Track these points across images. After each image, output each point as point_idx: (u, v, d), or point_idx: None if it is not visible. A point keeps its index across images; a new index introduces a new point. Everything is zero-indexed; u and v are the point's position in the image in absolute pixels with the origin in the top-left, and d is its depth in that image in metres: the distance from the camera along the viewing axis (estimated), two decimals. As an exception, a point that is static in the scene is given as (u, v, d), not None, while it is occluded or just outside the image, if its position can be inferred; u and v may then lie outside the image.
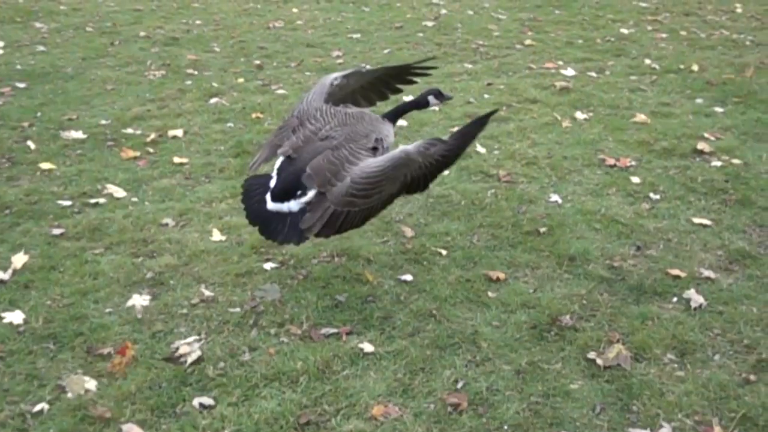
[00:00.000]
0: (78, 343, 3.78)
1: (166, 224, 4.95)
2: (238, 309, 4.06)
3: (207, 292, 4.21)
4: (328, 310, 4.05)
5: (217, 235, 4.78)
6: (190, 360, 3.65)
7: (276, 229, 3.97)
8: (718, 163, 5.76)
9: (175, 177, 5.71)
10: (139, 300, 4.11)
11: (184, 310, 4.05)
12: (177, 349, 3.74)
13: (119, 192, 5.39)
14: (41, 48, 9.31)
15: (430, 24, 10.55)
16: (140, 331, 3.88)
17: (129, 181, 5.62)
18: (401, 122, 6.19)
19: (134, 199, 5.32)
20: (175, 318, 4.00)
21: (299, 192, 3.98)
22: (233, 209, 5.16)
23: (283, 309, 4.05)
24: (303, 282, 4.30)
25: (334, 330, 3.87)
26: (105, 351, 3.69)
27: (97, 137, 6.46)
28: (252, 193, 4.17)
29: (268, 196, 4.06)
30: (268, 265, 4.46)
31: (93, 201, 5.26)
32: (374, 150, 4.08)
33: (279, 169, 4.15)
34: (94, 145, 6.31)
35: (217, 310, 4.06)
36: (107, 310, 4.05)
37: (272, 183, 4.11)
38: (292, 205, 3.98)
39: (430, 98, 4.49)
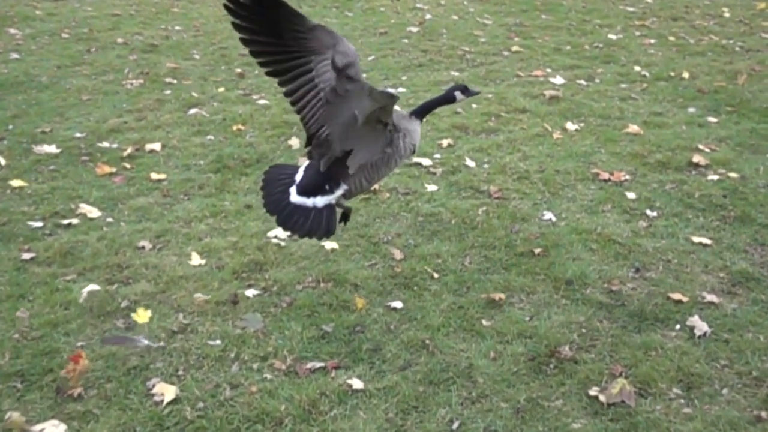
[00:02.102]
0: (47, 381, 3.54)
1: (143, 247, 4.71)
2: (218, 341, 3.83)
3: (185, 322, 3.98)
4: (314, 342, 3.83)
5: (196, 259, 4.55)
6: (167, 399, 3.42)
7: (297, 223, 3.89)
8: (715, 177, 5.59)
9: (152, 195, 5.46)
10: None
11: (161, 343, 3.82)
12: (153, 386, 3.51)
13: (93, 212, 5.15)
14: (15, 55, 9.03)
15: (414, 30, 10.35)
16: (114, 367, 3.64)
17: (104, 199, 5.37)
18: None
19: (109, 220, 5.07)
20: (151, 352, 3.76)
21: (327, 188, 3.94)
22: (213, 230, 4.93)
23: (266, 341, 3.82)
24: (287, 310, 4.08)
25: (321, 364, 3.65)
26: (76, 392, 3.45)
27: (71, 151, 6.21)
28: (274, 183, 4.07)
29: (293, 189, 3.97)
30: (250, 292, 4.23)
31: (66, 222, 5.01)
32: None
33: (308, 166, 4.07)
34: (68, 160, 6.06)
35: (196, 342, 3.83)
36: (79, 343, 3.81)
37: (298, 177, 4.02)
38: (318, 201, 3.92)
39: (457, 93, 4.36)
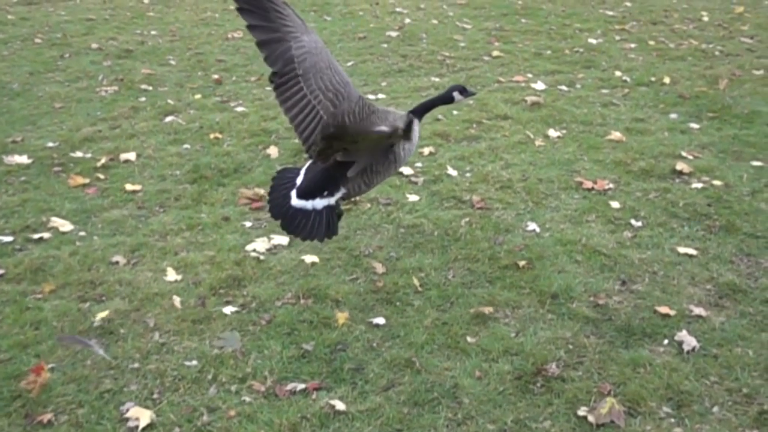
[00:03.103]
0: (16, 407, 3.40)
1: (117, 262, 4.57)
2: (195, 362, 3.70)
3: (161, 341, 3.85)
4: (294, 361, 3.71)
5: (172, 275, 4.42)
6: (141, 425, 3.29)
7: (299, 226, 3.99)
8: (699, 185, 5.53)
9: (126, 207, 5.32)
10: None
11: (136, 364, 3.69)
12: (127, 410, 3.38)
13: (66, 225, 5.00)
14: (-15, 62, 8.84)
15: (394, 34, 10.24)
16: (86, 390, 3.51)
17: (77, 212, 5.22)
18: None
19: (82, 233, 4.93)
20: (125, 374, 3.63)
21: (326, 192, 4.03)
22: (190, 243, 4.80)
23: (244, 361, 3.70)
24: (266, 328, 3.96)
25: (302, 385, 3.53)
26: (46, 417, 3.31)
27: (43, 162, 6.05)
28: (279, 187, 4.18)
29: (293, 193, 4.07)
30: (227, 309, 4.11)
31: (37, 236, 4.86)
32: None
33: (307, 169, 4.19)
34: (40, 170, 5.90)
35: (172, 363, 3.70)
36: (49, 365, 3.67)
37: (299, 180, 4.12)
38: (317, 203, 4.01)
39: (455, 94, 4.46)
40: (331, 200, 4.06)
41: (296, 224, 4.00)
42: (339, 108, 4.21)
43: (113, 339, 3.88)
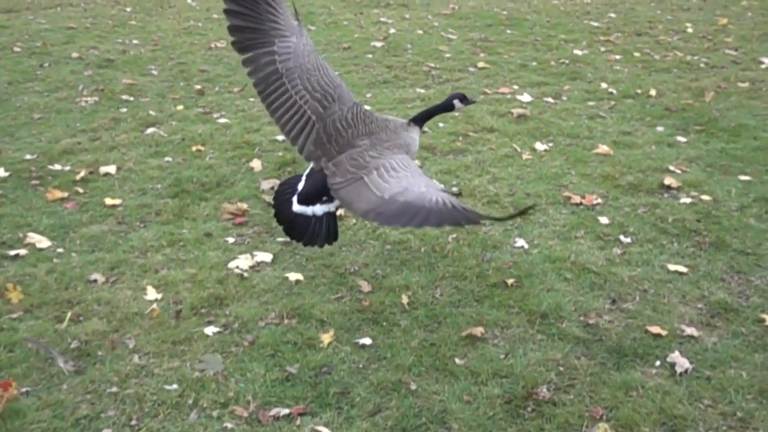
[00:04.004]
0: (-13, 434, 3.28)
1: (95, 281, 4.44)
2: (175, 385, 3.59)
3: (140, 364, 3.73)
4: (278, 385, 3.60)
5: (152, 293, 4.30)
6: (119, 453, 3.18)
7: (300, 231, 4.08)
8: (688, 200, 5.48)
9: (106, 222, 5.20)
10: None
11: (114, 388, 3.56)
12: (104, 438, 3.27)
13: (43, 241, 4.87)
14: (-37, 71, 8.68)
15: (379, 44, 10.17)
16: (62, 417, 3.38)
17: (54, 227, 5.09)
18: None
19: (60, 250, 4.80)
20: (103, 398, 3.51)
21: (324, 197, 4.06)
22: (171, 260, 4.68)
23: (226, 384, 3.59)
24: (249, 350, 3.84)
25: (286, 410, 3.42)
26: (18, 446, 3.19)
27: (20, 175, 5.91)
28: (282, 193, 4.22)
29: (294, 198, 4.12)
30: (209, 330, 4.00)
31: (13, 253, 4.72)
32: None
33: (308, 175, 4.21)
34: (17, 184, 5.76)
35: (152, 387, 3.58)
36: (24, 389, 3.54)
37: (300, 186, 4.17)
38: (317, 209, 4.07)
39: (456, 102, 4.45)
40: (331, 207, 4.10)
41: (297, 230, 4.09)
42: (329, 110, 4.21)
43: (90, 361, 3.76)
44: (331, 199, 4.07)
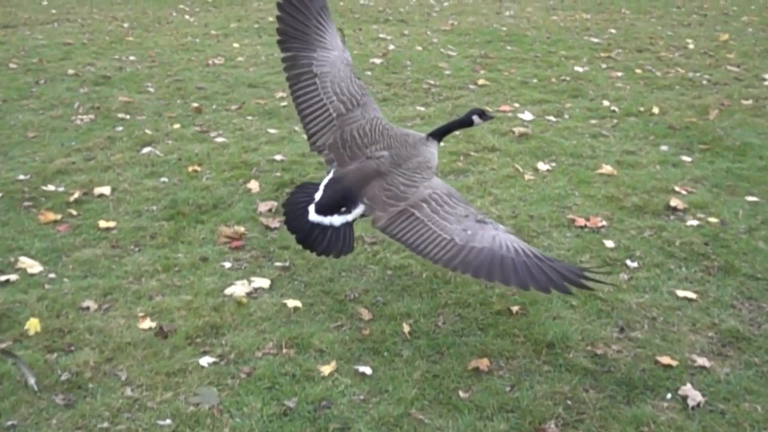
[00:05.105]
0: (-28, 474, 3.14)
1: (87, 308, 4.31)
2: (169, 420, 3.45)
3: (133, 396, 3.60)
4: (276, 420, 3.46)
5: (146, 322, 4.16)
6: (109, 495, 3.04)
7: (316, 241, 4.06)
8: (695, 222, 5.36)
9: (100, 245, 5.07)
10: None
11: (105, 424, 3.43)
12: (94, 477, 3.13)
13: (35, 266, 4.73)
14: (-43, 88, 8.57)
15: (378, 61, 10.08)
16: (50, 455, 3.25)
17: (47, 251, 4.96)
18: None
19: (52, 275, 4.67)
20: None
21: (343, 209, 4.10)
22: (165, 286, 4.55)
23: (221, 420, 3.45)
24: (245, 382, 3.71)
25: (283, 448, 3.29)
26: (4, 488, 3.05)
27: (13, 196, 5.78)
28: (296, 202, 4.24)
29: (311, 208, 4.13)
30: (204, 361, 3.86)
31: (3, 278, 4.59)
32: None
33: (326, 186, 4.25)
34: (9, 205, 5.63)
35: (144, 422, 3.44)
36: (10, 422, 3.40)
37: (317, 196, 4.19)
38: (335, 220, 4.08)
39: (475, 117, 4.49)
40: (349, 217, 4.12)
41: (312, 239, 4.07)
42: (351, 113, 4.46)
43: (81, 395, 3.62)
44: (349, 210, 4.10)
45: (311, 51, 4.62)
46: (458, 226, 3.75)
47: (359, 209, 4.13)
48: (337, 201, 4.13)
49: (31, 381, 3.60)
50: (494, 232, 3.72)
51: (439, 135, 4.45)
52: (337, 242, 4.04)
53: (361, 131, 4.37)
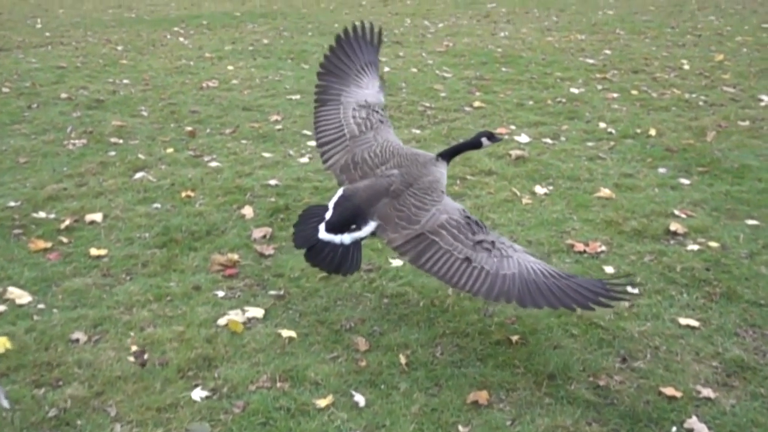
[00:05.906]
0: None
1: (77, 340, 4.21)
2: (159, 459, 3.35)
3: (123, 433, 3.50)
4: (270, 458, 3.36)
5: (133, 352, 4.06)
6: None
7: (325, 258, 4.09)
8: (695, 247, 5.29)
9: (90, 274, 4.97)
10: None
11: (91, 461, 3.32)
12: None
13: (23, 297, 4.63)
14: (-52, 113, 8.49)
15: (373, 83, 10.01)
16: (36, 496, 3.14)
17: (36, 280, 4.86)
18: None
19: (41, 306, 4.57)
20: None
21: (353, 226, 4.14)
22: (157, 317, 4.45)
23: (214, 457, 3.35)
24: (239, 418, 3.60)
25: (278, 487, 3.19)
26: None
27: (3, 224, 5.69)
28: (306, 221, 4.30)
29: (321, 226, 4.17)
30: (197, 395, 3.76)
31: (-9, 310, 4.50)
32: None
33: (336, 204, 4.28)
34: (-1, 233, 5.54)
35: (134, 460, 3.34)
36: (-3, 464, 3.30)
37: (328, 215, 4.23)
38: (345, 238, 4.12)
39: (483, 140, 4.54)
40: (359, 234, 4.15)
41: (321, 257, 4.10)
42: (364, 135, 4.56)
43: (69, 432, 3.52)
44: (359, 227, 4.14)
45: (345, 85, 4.88)
46: (483, 253, 3.81)
47: (370, 226, 4.16)
48: (347, 219, 4.17)
49: (4, 402, 3.51)
50: (515, 255, 3.81)
51: (448, 156, 4.47)
52: (345, 260, 4.07)
53: (371, 153, 4.45)
